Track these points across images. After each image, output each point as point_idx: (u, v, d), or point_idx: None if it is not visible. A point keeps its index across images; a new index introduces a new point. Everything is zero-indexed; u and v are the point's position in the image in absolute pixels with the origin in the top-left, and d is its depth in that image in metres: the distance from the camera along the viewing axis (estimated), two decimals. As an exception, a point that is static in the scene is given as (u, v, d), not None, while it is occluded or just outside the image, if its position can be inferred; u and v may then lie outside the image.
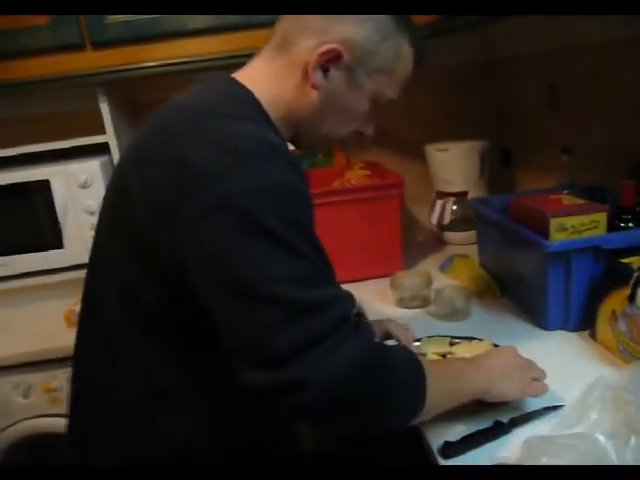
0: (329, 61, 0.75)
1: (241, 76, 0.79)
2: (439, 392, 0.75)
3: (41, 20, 1.38)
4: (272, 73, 0.78)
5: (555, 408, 0.86)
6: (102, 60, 1.43)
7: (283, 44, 0.78)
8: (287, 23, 0.79)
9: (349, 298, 0.70)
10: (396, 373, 0.70)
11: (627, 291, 0.94)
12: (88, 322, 0.80)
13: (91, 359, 0.79)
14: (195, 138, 0.67)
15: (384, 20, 0.77)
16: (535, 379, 0.86)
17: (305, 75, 0.76)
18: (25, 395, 1.40)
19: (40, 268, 1.52)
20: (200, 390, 0.74)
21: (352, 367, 0.64)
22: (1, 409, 1.40)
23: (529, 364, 0.88)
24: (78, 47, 1.41)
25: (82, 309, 0.82)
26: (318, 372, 0.62)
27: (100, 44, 1.42)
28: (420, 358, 0.76)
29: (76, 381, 0.82)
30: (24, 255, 1.51)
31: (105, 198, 0.80)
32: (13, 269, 1.52)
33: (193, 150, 0.66)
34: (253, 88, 0.76)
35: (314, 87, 0.76)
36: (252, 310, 0.63)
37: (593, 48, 1.30)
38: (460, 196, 1.59)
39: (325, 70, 0.76)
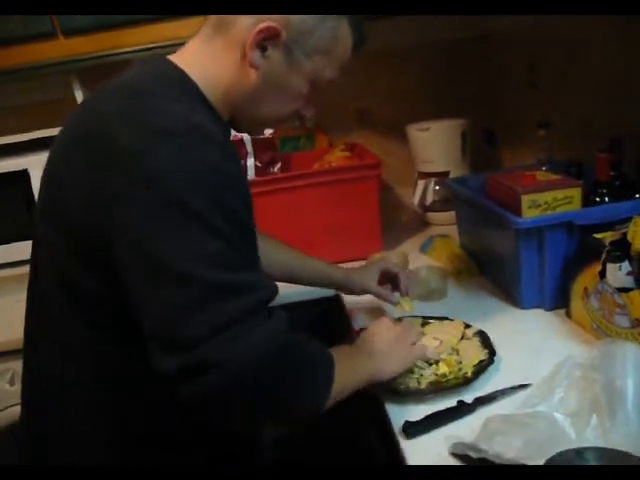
0: (266, 39, 0.73)
1: (177, 58, 0.77)
2: (341, 380, 0.76)
3: (10, 9, 1.37)
4: (209, 54, 0.77)
5: (522, 387, 0.85)
6: (74, 48, 1.42)
7: (220, 23, 0.76)
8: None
9: (268, 286, 0.68)
10: (304, 364, 0.71)
11: (598, 267, 0.92)
12: (30, 311, 0.81)
13: (36, 347, 0.80)
14: (120, 117, 0.67)
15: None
16: (413, 343, 0.92)
17: (243, 55, 0.74)
18: (12, 382, 1.41)
19: (19, 259, 1.51)
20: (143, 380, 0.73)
21: (261, 354, 0.63)
22: (-10, 396, 1.40)
23: (403, 330, 0.93)
24: (50, 35, 1.40)
25: (27, 298, 0.82)
26: (226, 356, 0.61)
27: (72, 32, 1.40)
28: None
29: (24, 369, 0.83)
30: (4, 246, 1.50)
31: (41, 180, 0.79)
32: (-5, 260, 1.52)
33: (117, 129, 0.66)
34: (189, 69, 0.75)
35: (252, 66, 0.75)
36: (165, 290, 0.62)
37: (571, 23, 1.27)
38: (442, 176, 1.57)
39: (263, 49, 0.74)
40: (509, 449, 0.69)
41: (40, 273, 0.78)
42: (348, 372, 0.80)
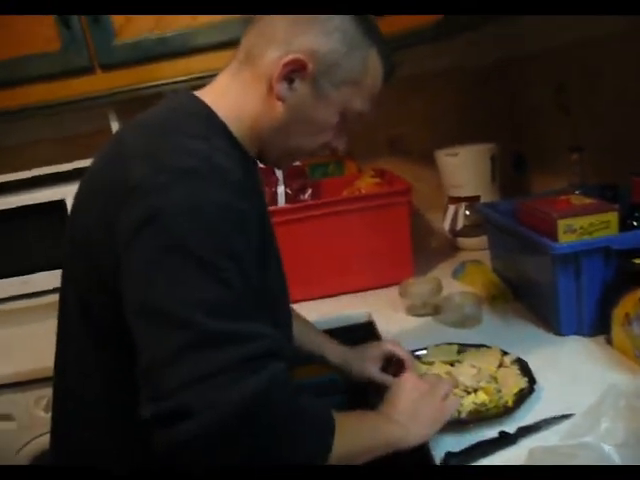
0: (293, 72, 0.74)
1: (205, 92, 0.78)
2: (350, 448, 0.72)
3: (51, 47, 1.43)
4: (237, 87, 0.77)
5: (565, 417, 0.83)
6: (111, 82, 1.46)
7: (248, 57, 0.77)
8: (252, 36, 0.78)
9: (267, 337, 0.64)
10: (299, 421, 0.65)
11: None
12: (59, 337, 0.84)
13: (62, 365, 0.83)
14: (139, 154, 0.68)
15: (351, 31, 0.75)
16: (445, 396, 0.84)
17: (270, 87, 0.75)
18: (47, 409, 1.42)
19: (58, 285, 1.55)
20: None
21: (243, 406, 0.59)
22: (24, 423, 1.43)
23: (432, 386, 0.85)
24: (88, 70, 1.45)
25: (58, 319, 0.84)
26: (207, 404, 0.58)
27: (109, 66, 1.45)
28: (334, 412, 0.72)
29: (54, 387, 0.85)
30: (43, 273, 1.54)
31: (69, 217, 0.81)
32: (34, 286, 1.56)
33: (135, 165, 0.66)
34: (215, 104, 0.76)
35: (279, 99, 0.75)
36: (161, 332, 0.60)
37: (602, 44, 1.27)
38: (472, 201, 1.57)
39: (290, 81, 0.75)
40: (557, 482, 0.67)
41: (66, 302, 0.80)
42: (358, 437, 0.75)
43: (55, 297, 1.52)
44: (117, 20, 1.42)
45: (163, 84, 1.47)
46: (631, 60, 1.20)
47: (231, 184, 0.66)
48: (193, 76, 1.47)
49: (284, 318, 0.86)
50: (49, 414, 1.38)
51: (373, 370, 1.01)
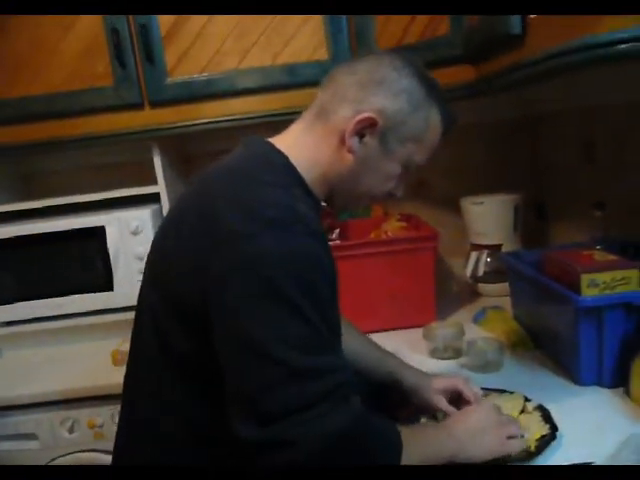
0: (365, 128, 0.82)
1: (280, 140, 0.86)
2: (412, 460, 0.77)
3: (106, 82, 1.52)
4: (310, 139, 0.85)
5: (586, 465, 0.86)
6: (158, 118, 1.54)
7: (322, 112, 0.85)
8: (326, 94, 0.86)
9: (346, 367, 0.73)
10: (375, 445, 0.73)
11: (659, 348, 0.95)
12: (134, 356, 0.88)
13: (134, 391, 0.87)
14: (229, 202, 0.74)
15: (417, 92, 0.83)
16: (511, 436, 0.88)
17: (342, 141, 0.83)
18: (70, 430, 1.46)
19: (91, 309, 1.61)
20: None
21: (337, 435, 0.68)
22: (48, 442, 1.46)
23: (505, 421, 0.91)
24: (138, 106, 1.54)
25: (131, 345, 0.89)
26: (304, 435, 0.66)
27: (157, 103, 1.54)
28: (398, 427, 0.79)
29: (123, 409, 0.89)
30: (77, 296, 1.60)
31: (151, 248, 0.88)
32: (67, 309, 1.61)
33: (227, 214, 0.73)
34: (290, 153, 0.83)
35: (350, 152, 0.83)
36: (255, 366, 0.68)
37: (627, 106, 1.33)
38: (494, 248, 1.62)
39: (361, 137, 0.83)
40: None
41: (142, 332, 0.85)
42: (423, 452, 0.81)
43: (86, 320, 1.61)
44: (170, 60, 1.51)
45: (206, 122, 1.55)
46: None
47: (312, 232, 0.73)
48: (235, 117, 1.55)
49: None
50: (73, 435, 1.44)
51: (440, 401, 1.02)
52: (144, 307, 0.85)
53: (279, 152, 0.83)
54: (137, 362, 0.87)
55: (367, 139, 0.83)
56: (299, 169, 0.83)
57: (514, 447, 0.87)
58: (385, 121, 0.82)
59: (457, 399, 1.03)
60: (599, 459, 0.84)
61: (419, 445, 0.81)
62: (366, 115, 0.81)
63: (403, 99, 0.82)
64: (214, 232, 0.73)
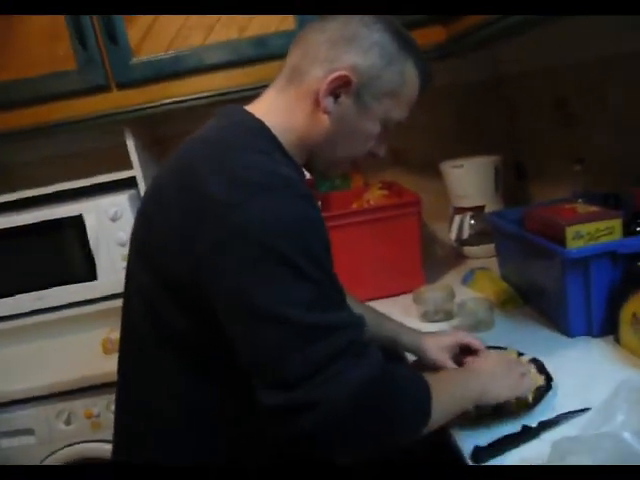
0: (339, 87, 0.80)
1: (255, 108, 0.84)
2: (442, 404, 0.79)
3: (70, 65, 1.47)
4: (284, 103, 0.83)
5: (582, 411, 0.88)
6: (127, 99, 1.50)
7: (294, 75, 0.83)
8: (296, 55, 0.84)
9: (359, 322, 0.73)
10: (402, 394, 0.74)
11: (646, 293, 0.96)
12: (126, 341, 0.87)
13: (129, 374, 0.86)
14: (212, 171, 0.72)
15: (389, 45, 0.81)
16: (523, 374, 0.92)
17: (316, 102, 0.80)
18: (67, 422, 1.45)
19: (75, 300, 1.58)
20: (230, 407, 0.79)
21: (360, 389, 0.67)
22: (45, 436, 1.45)
23: (513, 362, 0.96)
24: (104, 89, 1.49)
25: (121, 331, 0.88)
26: (328, 394, 0.65)
27: (124, 84, 1.49)
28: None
29: (118, 394, 0.88)
30: (60, 288, 1.57)
31: (133, 229, 0.86)
32: (50, 302, 1.59)
33: (210, 182, 0.71)
34: (266, 119, 0.81)
35: (326, 113, 0.81)
36: (264, 332, 0.67)
37: (599, 61, 1.34)
38: (477, 210, 1.63)
39: (336, 96, 0.80)
40: (582, 468, 0.72)
41: (132, 315, 0.84)
42: (451, 396, 0.84)
43: (71, 312, 1.59)
44: (133, 39, 1.46)
45: (176, 102, 1.52)
46: (631, 78, 1.27)
47: (302, 195, 0.71)
48: (205, 94, 1.51)
49: None
50: (70, 427, 1.43)
51: (444, 358, 1.04)
52: (132, 290, 0.84)
53: (254, 118, 0.81)
54: (130, 345, 0.85)
55: (342, 98, 0.80)
56: (277, 135, 0.81)
57: (527, 385, 0.92)
58: (359, 78, 0.80)
59: (459, 356, 1.06)
60: (594, 405, 0.86)
61: (446, 388, 0.84)
62: (339, 73, 0.78)
63: (375, 53, 0.80)
64: (198, 205, 0.71)
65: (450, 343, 1.05)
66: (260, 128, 0.80)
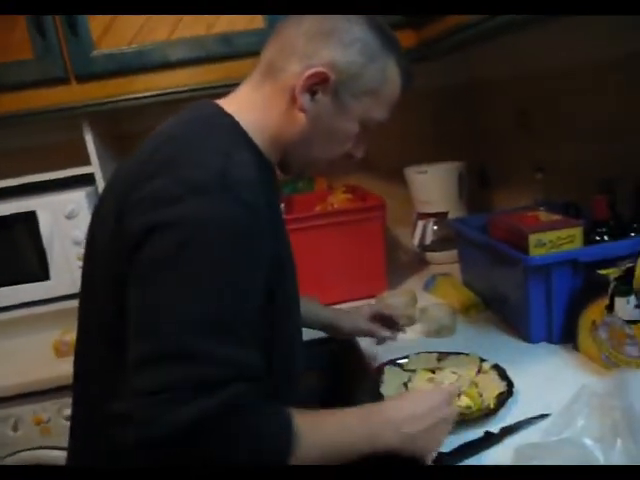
0: (316, 84, 0.76)
1: (227, 103, 0.80)
2: (322, 448, 0.70)
3: (26, 55, 1.40)
4: (259, 99, 0.80)
5: (543, 417, 0.88)
6: (86, 93, 1.45)
7: (269, 69, 0.80)
8: (272, 50, 0.80)
9: (242, 367, 0.64)
10: (239, 440, 0.64)
11: (605, 301, 0.98)
12: (79, 337, 0.83)
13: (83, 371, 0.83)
14: (162, 167, 0.69)
15: (370, 42, 0.78)
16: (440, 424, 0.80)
17: (293, 99, 0.77)
18: (15, 428, 1.38)
19: (27, 300, 1.51)
20: None
21: (188, 424, 0.59)
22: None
23: (445, 411, 0.81)
24: (63, 81, 1.43)
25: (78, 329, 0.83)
26: (144, 419, 0.60)
27: (84, 77, 1.44)
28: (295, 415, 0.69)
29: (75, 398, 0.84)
30: (10, 287, 1.50)
31: (88, 228, 0.83)
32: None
33: (157, 178, 0.68)
34: (239, 115, 0.78)
35: (302, 110, 0.77)
36: (140, 337, 0.64)
37: (556, 74, 1.37)
38: (440, 216, 1.64)
39: (312, 93, 0.77)
40: (545, 474, 0.72)
41: (83, 307, 0.81)
42: (340, 442, 0.72)
43: (22, 312, 1.52)
44: (95, 31, 1.41)
45: (139, 97, 1.47)
46: (584, 91, 1.30)
47: (243, 202, 0.66)
48: (169, 90, 1.48)
49: (297, 324, 0.88)
50: (18, 433, 1.37)
51: (363, 323, 1.13)
52: (85, 284, 0.81)
53: (224, 114, 0.78)
54: (83, 341, 0.82)
55: (319, 96, 0.77)
56: (249, 132, 0.78)
57: (440, 440, 0.80)
58: (337, 75, 0.76)
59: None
60: (554, 411, 0.87)
61: (336, 434, 0.73)
62: (316, 70, 0.75)
63: (356, 50, 0.77)
64: (140, 195, 0.68)
65: (374, 312, 1.14)
66: (229, 124, 0.77)
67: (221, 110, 0.79)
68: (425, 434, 0.77)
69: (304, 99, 0.77)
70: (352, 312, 1.15)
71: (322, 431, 0.72)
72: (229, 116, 0.78)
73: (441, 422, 0.79)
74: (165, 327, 0.62)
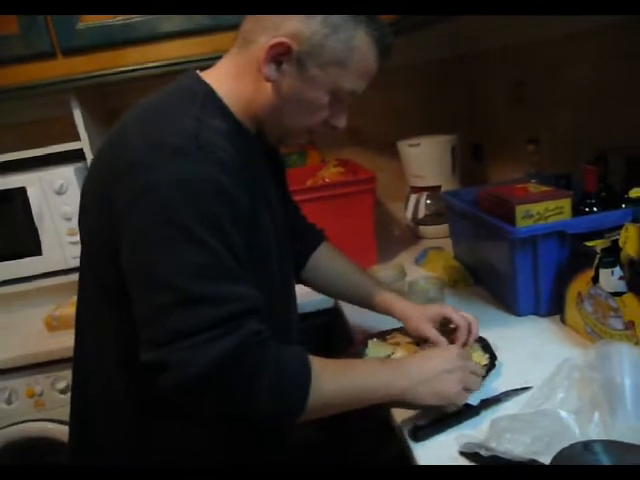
0: (280, 55, 0.77)
1: (208, 74, 0.83)
2: (340, 391, 0.77)
3: (11, 29, 1.39)
4: (234, 71, 0.82)
5: (524, 389, 0.88)
6: (73, 67, 1.44)
7: (244, 42, 0.82)
8: (248, 23, 0.82)
9: (245, 298, 0.71)
10: (266, 374, 0.70)
11: (591, 273, 0.97)
12: (78, 304, 0.88)
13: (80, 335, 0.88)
14: (137, 134, 0.74)
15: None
16: (467, 389, 0.84)
17: (260, 70, 0.79)
18: (8, 401, 1.40)
19: (19, 275, 1.52)
20: None
21: (217, 361, 0.67)
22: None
23: (467, 370, 0.85)
24: (49, 55, 1.42)
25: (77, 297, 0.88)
26: (186, 359, 0.67)
27: (71, 51, 1.43)
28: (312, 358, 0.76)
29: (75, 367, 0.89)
30: (2, 263, 1.51)
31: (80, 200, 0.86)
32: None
33: (133, 145, 0.73)
34: (216, 85, 0.80)
35: (268, 80, 0.79)
36: (149, 292, 0.69)
37: (555, 42, 1.34)
38: (433, 190, 1.62)
39: (278, 64, 0.78)
40: (518, 446, 0.72)
41: (82, 274, 0.86)
42: (360, 386, 0.79)
43: (14, 288, 1.53)
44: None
45: (126, 71, 1.46)
46: (584, 59, 1.27)
47: (218, 161, 0.71)
48: (157, 64, 1.46)
49: (271, 276, 0.89)
50: (11, 406, 1.39)
51: (428, 328, 1.00)
52: (81, 252, 0.85)
53: (201, 82, 0.80)
54: (82, 319, 0.87)
55: (285, 66, 0.78)
56: (226, 101, 0.80)
57: (463, 399, 0.84)
58: (300, 45, 0.77)
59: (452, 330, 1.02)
60: (536, 384, 0.87)
61: (357, 377, 0.80)
62: (277, 40, 0.76)
63: (318, 21, 0.77)
64: (118, 164, 0.72)
65: (435, 315, 1.02)
66: (205, 92, 0.79)
67: (199, 79, 0.81)
68: (426, 382, 0.82)
69: (269, 69, 0.78)
70: (423, 311, 1.03)
71: (341, 373, 0.79)
72: (205, 84, 0.80)
73: (446, 374, 0.83)
74: (175, 279, 0.67)
